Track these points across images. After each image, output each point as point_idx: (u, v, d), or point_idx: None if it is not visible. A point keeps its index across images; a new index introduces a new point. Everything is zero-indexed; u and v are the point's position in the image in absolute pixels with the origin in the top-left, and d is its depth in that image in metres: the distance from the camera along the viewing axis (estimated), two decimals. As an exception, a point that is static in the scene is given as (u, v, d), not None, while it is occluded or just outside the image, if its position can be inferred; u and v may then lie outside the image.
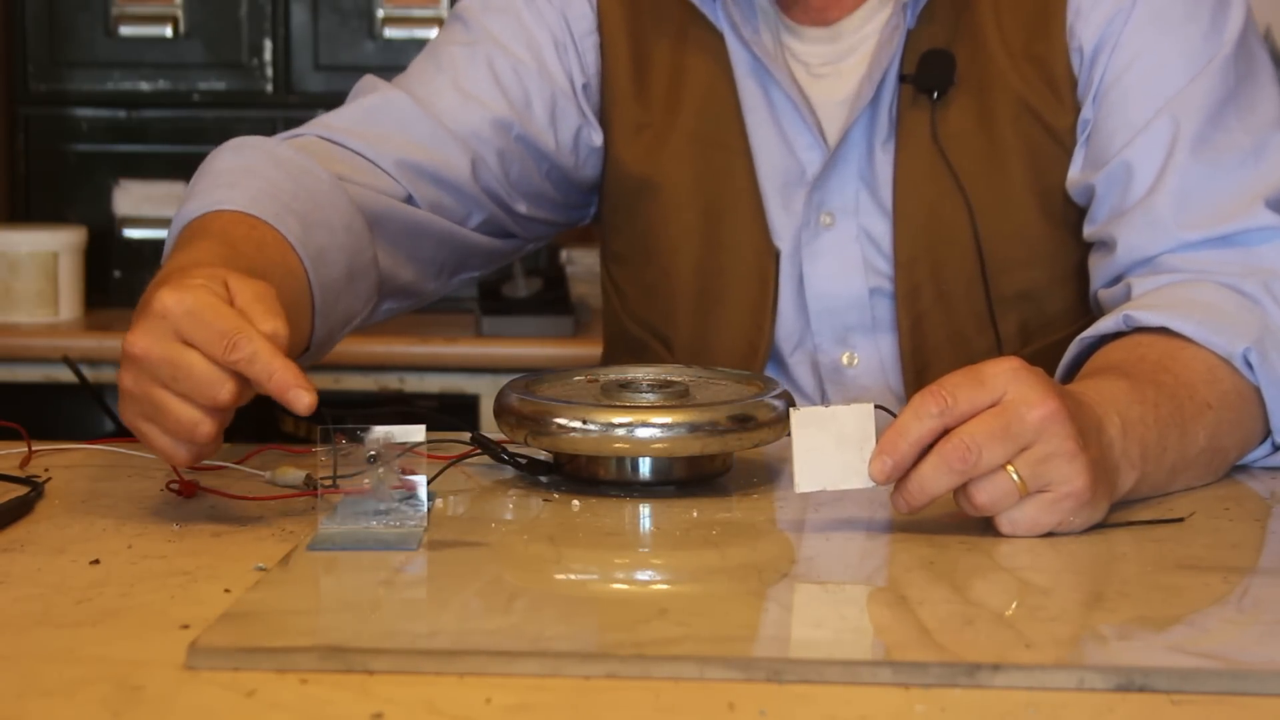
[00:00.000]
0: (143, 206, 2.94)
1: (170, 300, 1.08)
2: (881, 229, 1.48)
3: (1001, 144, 1.46)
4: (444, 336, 2.68)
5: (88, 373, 2.06)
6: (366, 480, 1.10)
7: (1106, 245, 1.42)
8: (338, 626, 0.93)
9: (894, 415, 1.09)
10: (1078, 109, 1.45)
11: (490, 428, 1.28)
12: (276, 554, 1.06)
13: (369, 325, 1.47)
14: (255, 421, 2.65)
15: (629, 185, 1.55)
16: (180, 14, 2.94)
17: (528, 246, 1.61)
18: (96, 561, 1.05)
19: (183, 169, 2.94)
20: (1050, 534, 1.10)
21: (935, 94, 1.46)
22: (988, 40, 1.46)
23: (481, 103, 1.49)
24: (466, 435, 1.28)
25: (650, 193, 1.54)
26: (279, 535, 1.11)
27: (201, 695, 0.84)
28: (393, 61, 1.56)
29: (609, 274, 1.63)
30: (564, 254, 2.94)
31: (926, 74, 1.46)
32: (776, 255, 1.50)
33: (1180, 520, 1.15)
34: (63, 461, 1.32)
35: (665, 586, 1.05)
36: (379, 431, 1.10)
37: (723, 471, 1.25)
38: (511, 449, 1.25)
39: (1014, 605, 0.99)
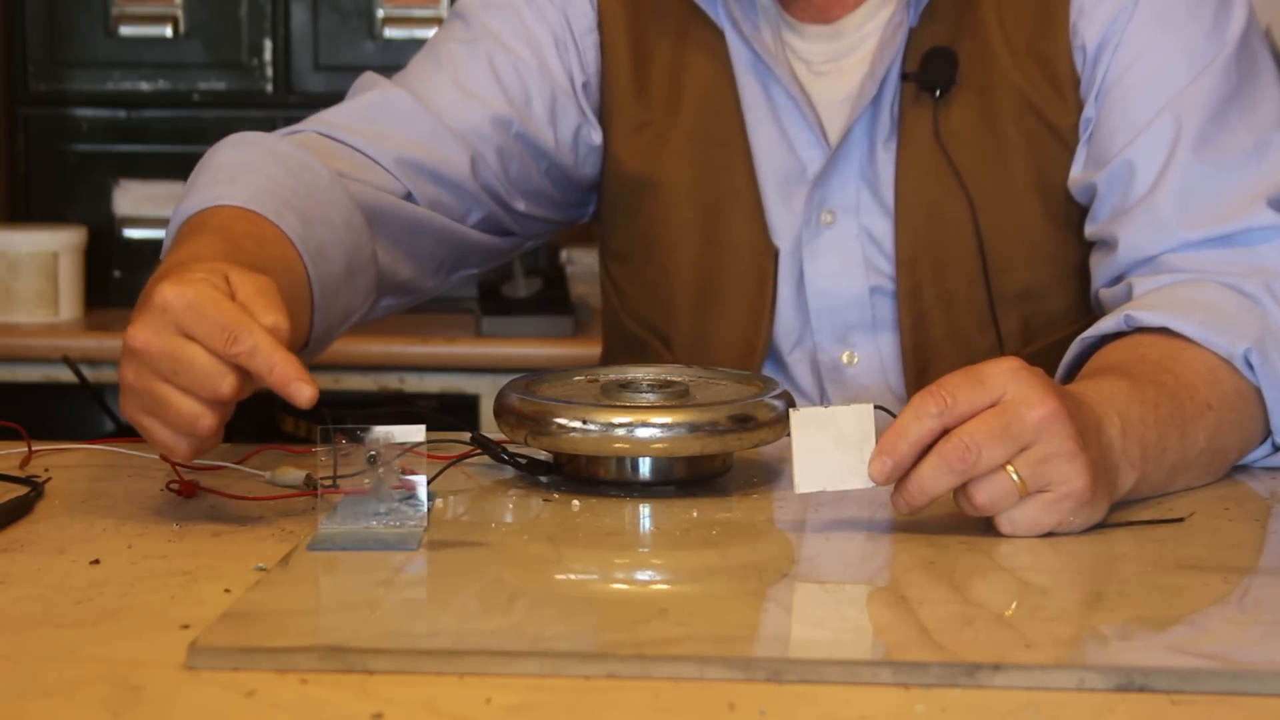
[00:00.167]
0: (143, 206, 2.94)
1: (171, 294, 1.08)
2: (883, 228, 1.48)
3: (1004, 142, 1.46)
4: (444, 336, 2.68)
5: (88, 373, 2.06)
6: (366, 480, 1.10)
7: (1108, 244, 1.42)
8: (338, 626, 0.93)
9: (893, 415, 1.09)
10: (1080, 107, 1.45)
11: (490, 428, 1.28)
12: (276, 554, 1.06)
13: (367, 322, 1.47)
14: (255, 421, 2.65)
15: (629, 183, 1.55)
16: (180, 14, 2.94)
17: (526, 244, 1.61)
18: (96, 561, 1.05)
19: (183, 169, 2.90)
20: (1050, 534, 1.10)
21: (938, 92, 1.46)
22: (990, 38, 1.46)
23: (481, 100, 1.49)
24: (466, 435, 1.28)
25: (650, 191, 1.54)
26: (279, 535, 1.11)
27: (201, 695, 0.84)
28: (393, 61, 1.55)
29: (608, 272, 1.63)
30: (564, 254, 2.94)
31: (929, 72, 1.46)
32: (775, 254, 1.50)
33: (1180, 520, 1.15)
34: (63, 461, 1.32)
35: (665, 586, 1.05)
36: (379, 431, 1.10)
37: (723, 471, 1.25)
38: (511, 449, 1.25)
39: (1014, 605, 0.99)
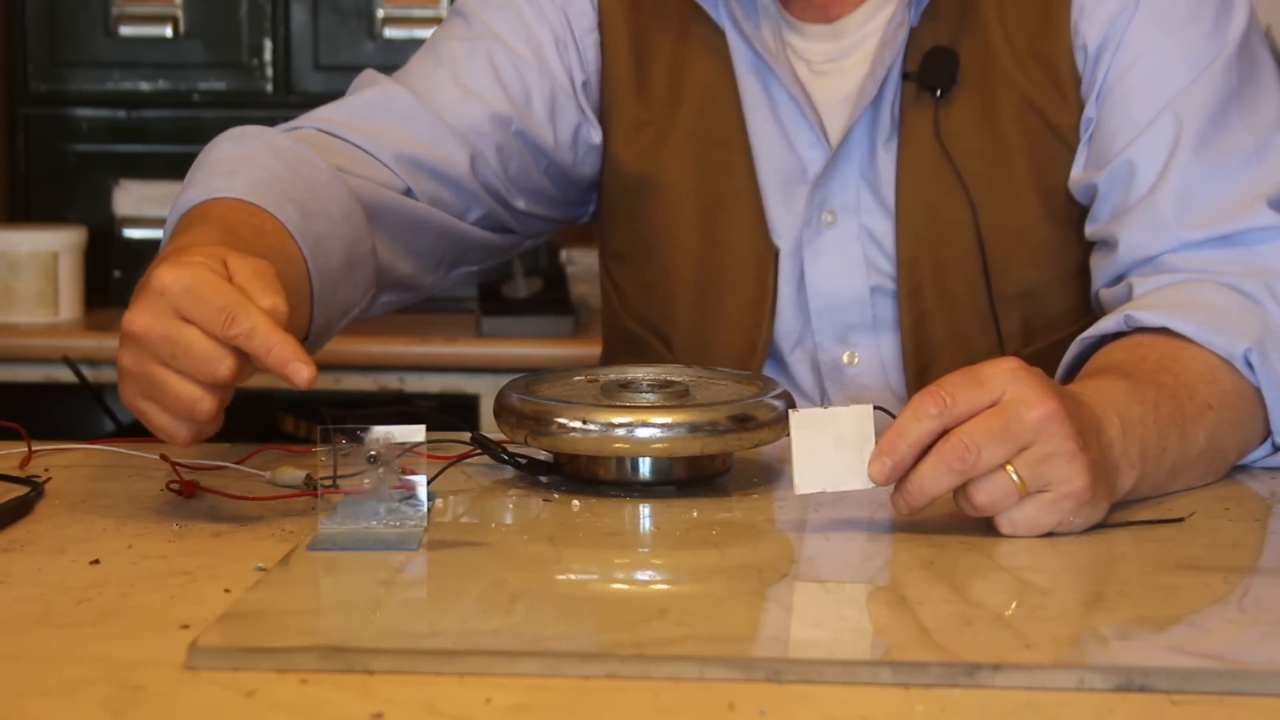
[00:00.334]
0: (143, 206, 2.94)
1: (168, 277, 1.08)
2: (883, 227, 1.48)
3: (1005, 142, 1.46)
4: (444, 336, 2.68)
5: (88, 373, 2.06)
6: (366, 480, 1.10)
7: (1108, 244, 1.42)
8: (338, 626, 0.93)
9: (893, 416, 1.09)
10: (1081, 107, 1.45)
11: (490, 428, 1.28)
12: (276, 554, 1.06)
13: (366, 319, 1.47)
14: (255, 421, 2.65)
15: (629, 183, 1.55)
16: (180, 14, 2.94)
17: (526, 243, 1.61)
18: (96, 561, 1.05)
19: (183, 169, 2.89)
20: (1050, 534, 1.10)
21: (938, 92, 1.46)
22: (992, 38, 1.46)
23: (481, 98, 1.49)
24: (466, 435, 1.28)
25: (650, 190, 1.54)
26: (279, 535, 1.11)
27: (201, 695, 0.84)
28: (392, 61, 1.56)
29: (608, 272, 1.63)
30: (564, 254, 2.94)
31: (930, 72, 1.46)
32: (776, 254, 1.50)
33: (1180, 520, 1.15)
34: (63, 461, 1.32)
35: (665, 586, 1.05)
36: (379, 431, 1.10)
37: (723, 471, 1.25)
38: (511, 449, 1.25)
39: (1014, 605, 0.99)
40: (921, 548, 1.08)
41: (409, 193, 1.46)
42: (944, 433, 1.08)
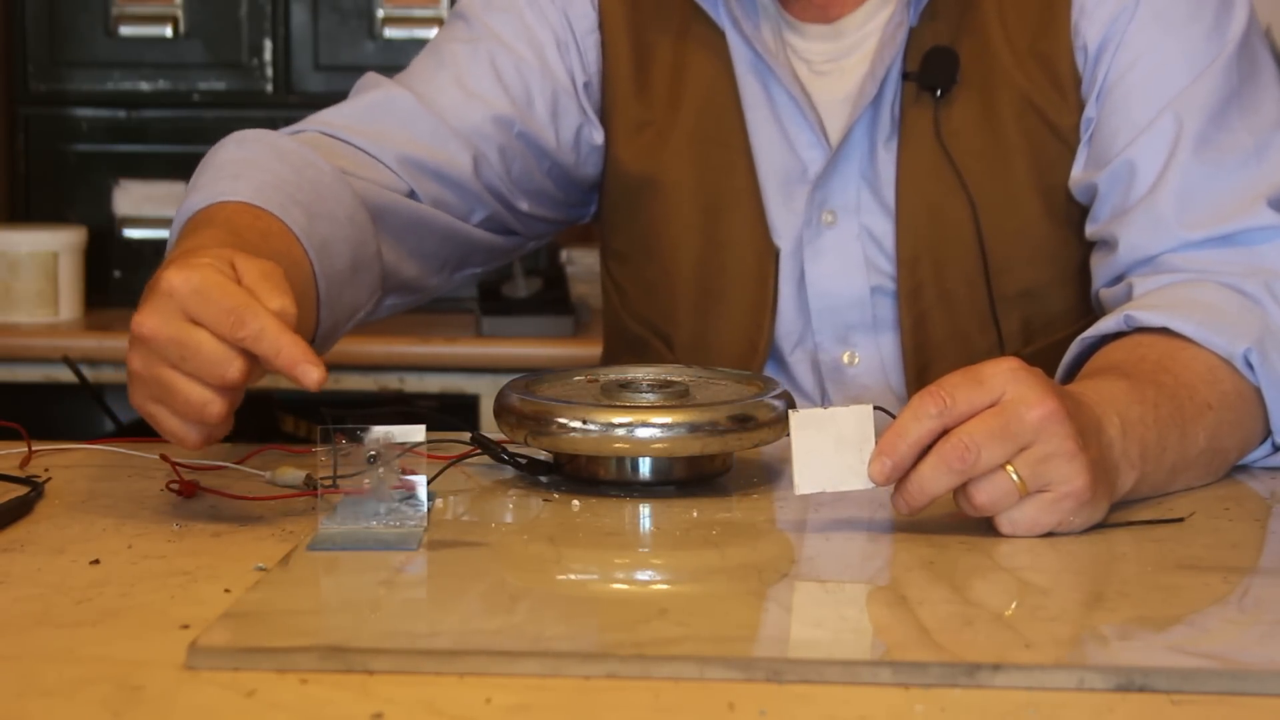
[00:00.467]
0: (143, 206, 2.94)
1: (177, 279, 1.08)
2: (884, 227, 1.48)
3: (1005, 142, 1.46)
4: (444, 336, 2.68)
5: (88, 373, 2.06)
6: (366, 480, 1.10)
7: (1108, 244, 1.42)
8: (338, 626, 0.93)
9: (893, 416, 1.09)
10: (1081, 107, 1.45)
11: (490, 428, 1.28)
12: (276, 554, 1.06)
13: (371, 322, 1.47)
14: (255, 421, 2.65)
15: (630, 183, 1.55)
16: (180, 14, 2.94)
17: (529, 244, 1.61)
18: (96, 561, 1.05)
19: (183, 169, 2.92)
20: (1050, 534, 1.10)
21: (938, 92, 1.46)
22: (992, 38, 1.46)
23: (484, 100, 1.49)
24: (466, 435, 1.28)
25: (651, 190, 1.54)
26: (279, 535, 1.11)
27: (201, 695, 0.84)
28: (393, 61, 1.56)
29: (609, 272, 1.63)
30: (564, 254, 2.94)
31: (930, 71, 1.46)
32: (776, 254, 1.50)
33: (1180, 520, 1.15)
34: (63, 461, 1.32)
35: (665, 586, 1.05)
36: (379, 431, 1.10)
37: (723, 471, 1.25)
38: (511, 449, 1.25)
39: (1014, 605, 0.99)
40: (921, 548, 1.08)
41: (412, 195, 1.46)
42: (944, 433, 1.08)
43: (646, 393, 1.23)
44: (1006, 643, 0.90)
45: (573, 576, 1.04)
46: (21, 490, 1.20)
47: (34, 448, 1.33)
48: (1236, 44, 1.41)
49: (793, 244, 1.50)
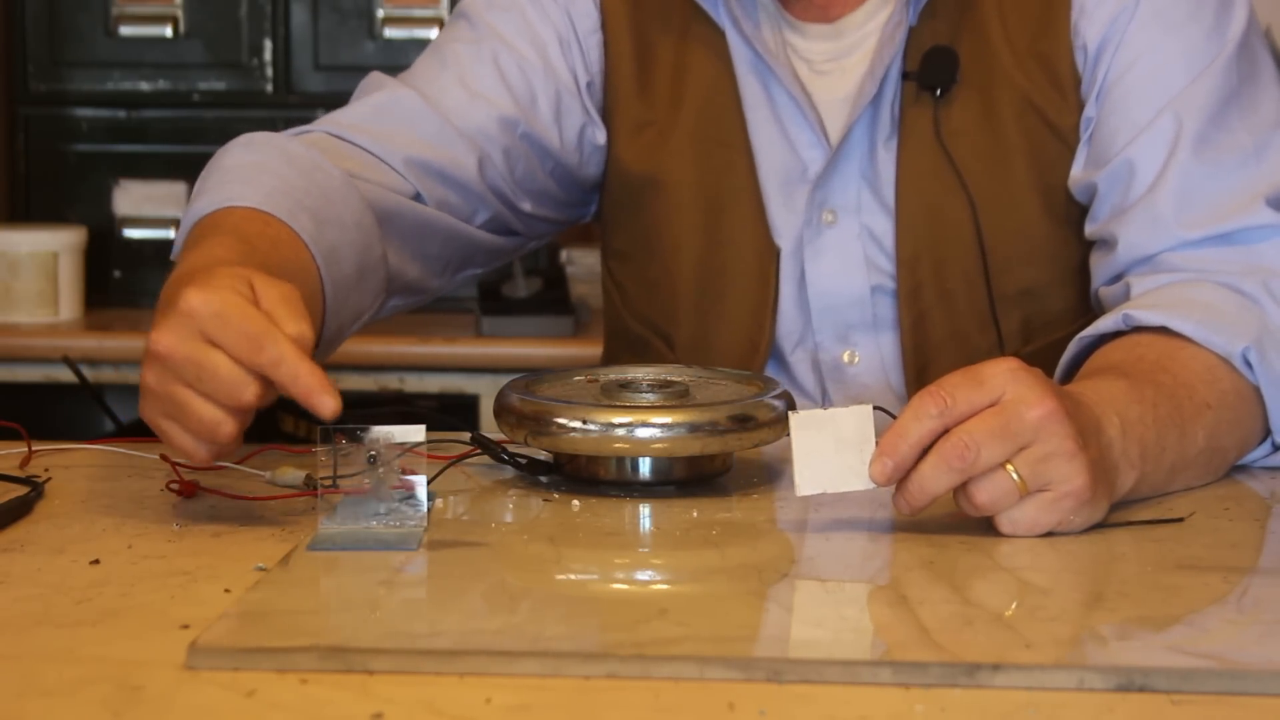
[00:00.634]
0: (143, 206, 2.94)
1: (197, 300, 1.08)
2: (884, 227, 1.48)
3: (1005, 141, 1.46)
4: (444, 336, 2.68)
5: (88, 373, 2.06)
6: (366, 480, 1.10)
7: (1107, 243, 1.42)
8: (338, 626, 0.93)
9: (893, 416, 1.09)
10: (1081, 107, 1.45)
11: (490, 428, 1.28)
12: (276, 554, 1.06)
13: (371, 323, 1.47)
14: (255, 421, 2.65)
15: (631, 182, 1.55)
16: (180, 14, 2.94)
17: (530, 245, 1.61)
18: (96, 561, 1.05)
19: (183, 169, 2.94)
20: (1050, 534, 1.10)
21: (938, 91, 1.46)
22: (991, 37, 1.46)
23: (488, 100, 1.49)
24: (466, 435, 1.28)
25: (652, 190, 1.54)
26: (279, 535, 1.11)
27: (201, 695, 0.84)
28: (393, 61, 1.55)
29: (609, 271, 1.63)
30: (564, 254, 2.94)
31: (929, 71, 1.46)
32: (777, 253, 1.50)
33: (1180, 520, 1.15)
34: (63, 461, 1.32)
35: (665, 586, 1.05)
36: (379, 431, 1.10)
37: (723, 471, 1.25)
38: (511, 449, 1.25)
39: (1014, 605, 0.99)
40: (921, 548, 1.08)
41: (418, 196, 1.46)
42: (944, 433, 1.08)
43: (646, 393, 1.23)
44: (1006, 643, 0.90)
45: (573, 576, 1.04)
46: (21, 490, 1.20)
47: (34, 448, 1.33)
48: (1236, 44, 1.41)
49: (793, 243, 1.50)
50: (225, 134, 1.42)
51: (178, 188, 2.90)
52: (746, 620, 0.96)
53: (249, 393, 1.07)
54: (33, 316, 2.75)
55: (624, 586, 1.04)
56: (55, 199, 2.97)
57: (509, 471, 1.26)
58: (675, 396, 1.23)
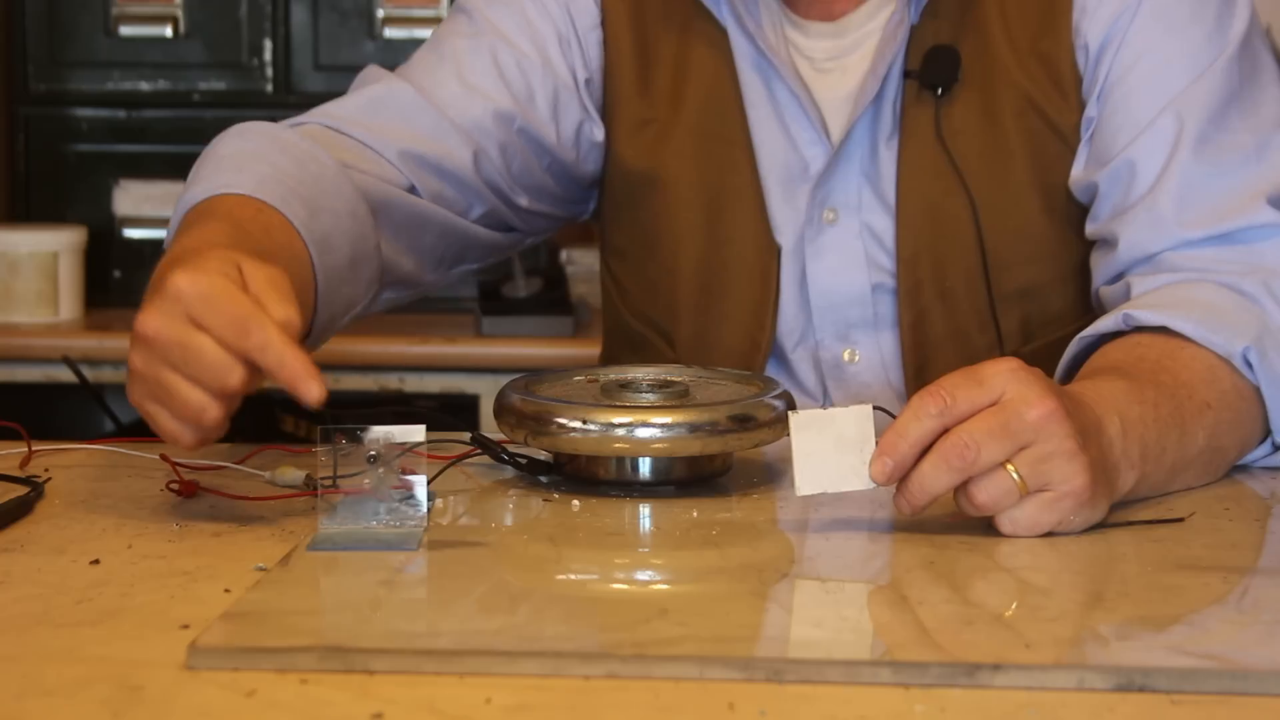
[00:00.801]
0: (143, 206, 2.93)
1: (184, 282, 1.08)
2: (884, 225, 1.48)
3: (1005, 141, 1.46)
4: (444, 336, 2.68)
5: (88, 373, 2.06)
6: (366, 480, 1.10)
7: (1108, 243, 1.42)
8: (338, 626, 0.93)
9: (893, 416, 1.09)
10: (1082, 107, 1.45)
11: (490, 428, 1.28)
12: (276, 554, 1.06)
13: (367, 316, 1.47)
14: (255, 422, 2.65)
15: (631, 180, 1.55)
16: (180, 14, 2.94)
17: (527, 240, 1.61)
18: (96, 561, 1.05)
19: (183, 169, 2.89)
20: (1050, 534, 1.10)
21: (940, 90, 1.46)
22: (993, 37, 1.46)
23: (484, 95, 1.49)
24: (466, 435, 1.28)
25: (653, 188, 1.54)
26: (279, 535, 1.11)
27: (201, 695, 0.84)
28: (392, 61, 1.55)
29: (609, 269, 1.63)
30: (564, 254, 2.94)
31: (931, 70, 1.46)
32: (778, 251, 1.50)
33: (1180, 520, 1.15)
34: (63, 461, 1.32)
35: (665, 586, 1.05)
36: (379, 431, 1.10)
37: (723, 471, 1.25)
38: (511, 449, 1.25)
39: (1014, 605, 0.99)
40: (921, 548, 1.08)
41: (413, 189, 1.46)
42: (944, 432, 1.08)
43: (646, 393, 1.23)
44: (1006, 643, 0.90)
45: (573, 576, 1.04)
46: (21, 490, 1.20)
47: (34, 448, 1.33)
48: (1238, 44, 1.41)
49: (794, 241, 1.50)
50: (225, 134, 1.42)
51: (178, 188, 2.84)
52: (746, 620, 0.96)
53: (234, 377, 1.07)
54: (33, 316, 2.75)
55: (624, 586, 1.04)
56: (55, 199, 2.97)
57: (509, 471, 1.26)
58: (675, 396, 1.23)
